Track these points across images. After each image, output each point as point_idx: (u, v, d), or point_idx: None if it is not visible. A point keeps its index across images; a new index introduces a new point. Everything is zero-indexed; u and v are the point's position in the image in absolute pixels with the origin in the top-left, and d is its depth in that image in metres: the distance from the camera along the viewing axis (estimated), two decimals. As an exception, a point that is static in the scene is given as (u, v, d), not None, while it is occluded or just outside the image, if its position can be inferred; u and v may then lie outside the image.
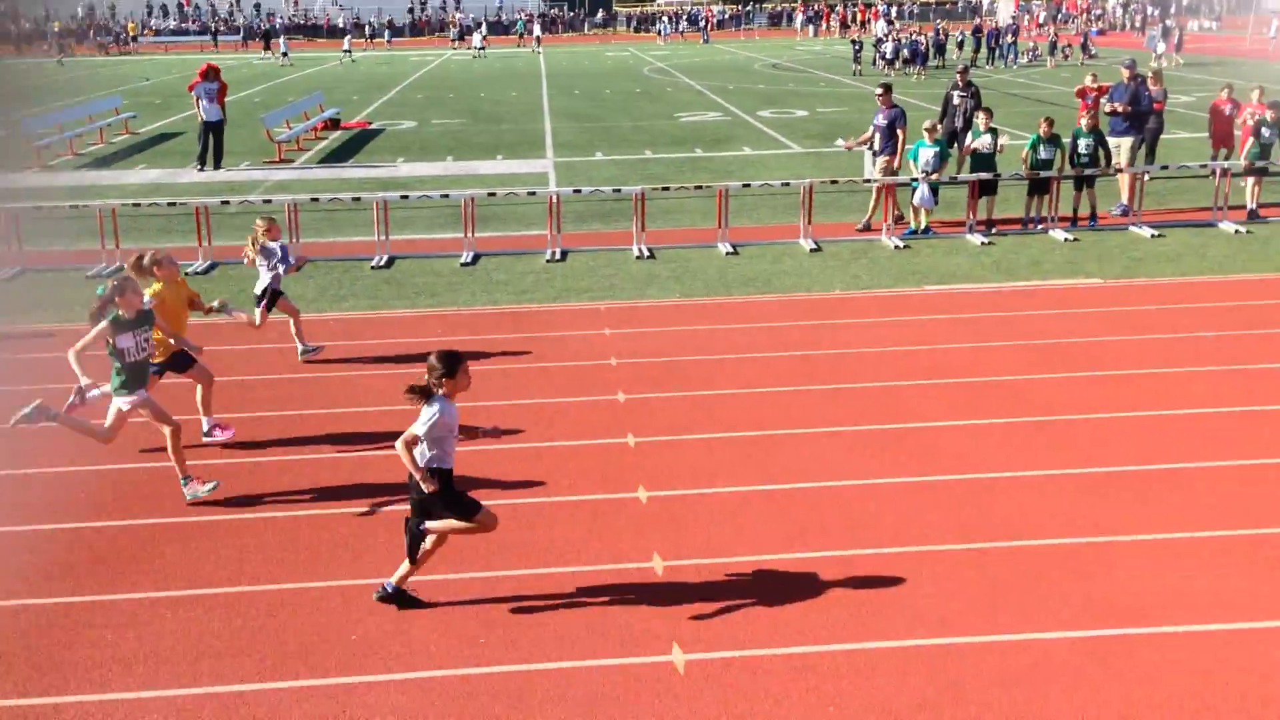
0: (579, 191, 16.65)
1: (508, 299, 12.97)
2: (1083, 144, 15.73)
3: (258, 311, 10.46)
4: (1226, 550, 6.92)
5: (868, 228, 15.94)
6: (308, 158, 24.22)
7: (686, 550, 7.09)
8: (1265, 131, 16.15)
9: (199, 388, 8.85)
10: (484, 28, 66.41)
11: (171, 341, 8.48)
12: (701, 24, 75.69)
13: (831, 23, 77.89)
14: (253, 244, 10.48)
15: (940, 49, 46.31)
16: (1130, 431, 8.83)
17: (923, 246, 15.16)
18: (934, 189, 15.58)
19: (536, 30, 65.81)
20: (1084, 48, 46.05)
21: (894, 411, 9.30)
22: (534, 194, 16.83)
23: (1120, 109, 17.09)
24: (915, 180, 15.53)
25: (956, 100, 18.95)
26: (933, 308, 12.34)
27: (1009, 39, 48.21)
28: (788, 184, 16.82)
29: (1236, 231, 15.46)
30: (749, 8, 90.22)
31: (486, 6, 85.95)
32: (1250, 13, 63.02)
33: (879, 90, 16.63)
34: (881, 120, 16.20)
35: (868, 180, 16.51)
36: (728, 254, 14.79)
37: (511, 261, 14.70)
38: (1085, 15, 76.46)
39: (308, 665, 5.94)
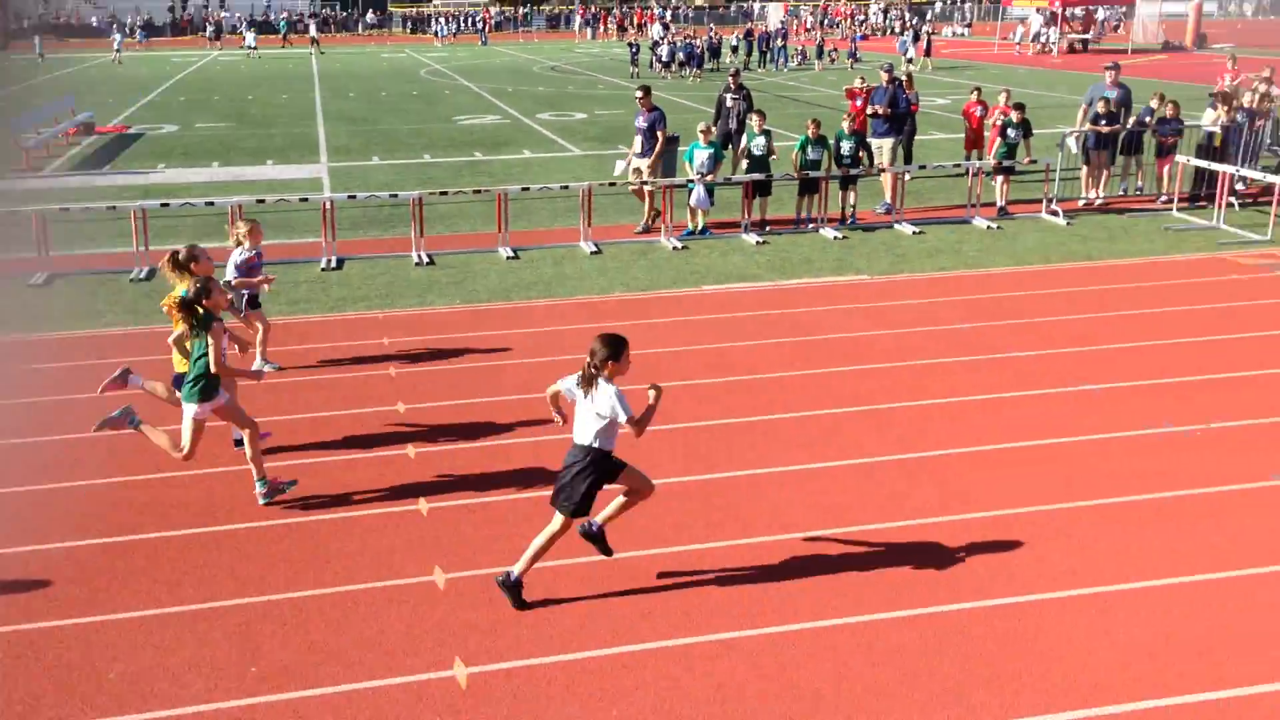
0: (354, 197, 16.24)
1: (281, 310, 12.50)
2: (845, 146, 16.38)
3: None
4: (979, 530, 7.31)
5: (648, 229, 16.16)
6: (58, 165, 22.77)
7: (469, 562, 6.99)
8: (1011, 132, 17.21)
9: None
10: (254, 27, 64.07)
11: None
12: (479, 26, 75.19)
13: (609, 25, 78.69)
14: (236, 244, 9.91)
15: (715, 52, 47.45)
16: (899, 421, 9.23)
17: (700, 247, 15.46)
18: (709, 190, 15.93)
19: (313, 30, 63.95)
20: (851, 54, 48.01)
21: (672, 412, 9.43)
22: (306, 200, 16.30)
23: (881, 111, 17.88)
24: (691, 182, 15.83)
25: (729, 103, 19.41)
26: (711, 307, 12.59)
27: (779, 43, 49.83)
28: (567, 187, 16.87)
29: (989, 227, 16.41)
30: (527, 10, 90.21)
31: (254, 5, 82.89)
32: (998, 20, 67.22)
33: (638, 93, 16.72)
34: (642, 123, 16.38)
35: (626, 182, 16.62)
36: (509, 258, 14.71)
37: (284, 271, 14.19)
38: (851, 20, 79.89)
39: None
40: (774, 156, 16.52)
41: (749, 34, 51.92)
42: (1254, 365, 10.45)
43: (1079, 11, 56.53)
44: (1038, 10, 55.09)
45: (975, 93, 19.75)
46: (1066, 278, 13.65)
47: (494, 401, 9.71)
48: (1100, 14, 61.51)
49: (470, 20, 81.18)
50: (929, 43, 47.38)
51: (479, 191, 17.17)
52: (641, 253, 15.13)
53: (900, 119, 18.18)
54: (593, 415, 6.24)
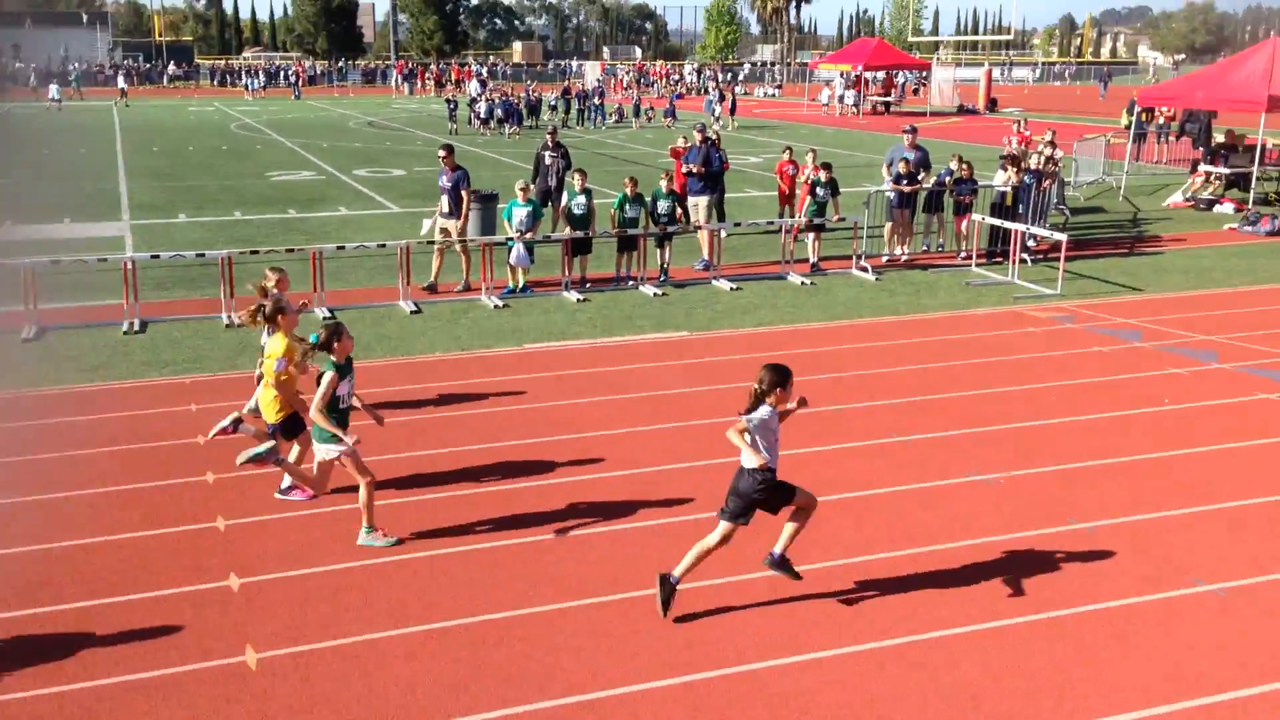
0: (158, 256, 15.56)
1: (77, 377, 11.84)
2: (662, 204, 16.66)
3: None
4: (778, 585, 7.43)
5: (433, 288, 15.90)
6: None
7: (283, 638, 6.68)
8: (820, 191, 17.83)
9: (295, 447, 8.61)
10: (56, 79, 61.35)
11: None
12: (292, 79, 73.82)
13: (427, 81, 78.46)
14: (262, 295, 9.43)
15: (534, 109, 47.79)
16: (723, 477, 9.33)
17: (521, 305, 15.41)
18: (529, 248, 15.93)
19: (121, 82, 61.63)
20: (669, 112, 49.08)
21: (486, 474, 9.31)
22: (106, 260, 15.54)
23: (695, 170, 18.28)
24: (510, 240, 15.80)
25: (548, 160, 19.52)
26: (533, 366, 12.53)
27: (596, 101, 50.60)
28: (384, 245, 16.59)
29: (802, 283, 16.90)
30: (342, 64, 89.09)
31: (50, 56, 79.36)
32: (806, 81, 69.98)
33: (441, 152, 16.45)
34: (446, 182, 16.18)
35: (432, 242, 16.48)
36: (325, 319, 14.34)
37: (82, 335, 13.47)
38: (666, 80, 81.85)
39: None
40: (594, 215, 16.65)
41: (566, 92, 52.54)
42: (1051, 414, 11.00)
43: (880, 75, 59.37)
44: (841, 75, 57.54)
45: (787, 152, 20.43)
46: (877, 331, 14.15)
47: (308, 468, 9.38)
48: (900, 78, 64.76)
49: (283, 74, 79.67)
50: (734, 102, 48.89)
51: (292, 250, 16.72)
52: (462, 311, 14.97)
53: (714, 177, 18.63)
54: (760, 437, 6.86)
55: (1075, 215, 22.78)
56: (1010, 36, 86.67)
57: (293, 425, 8.52)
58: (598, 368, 12.48)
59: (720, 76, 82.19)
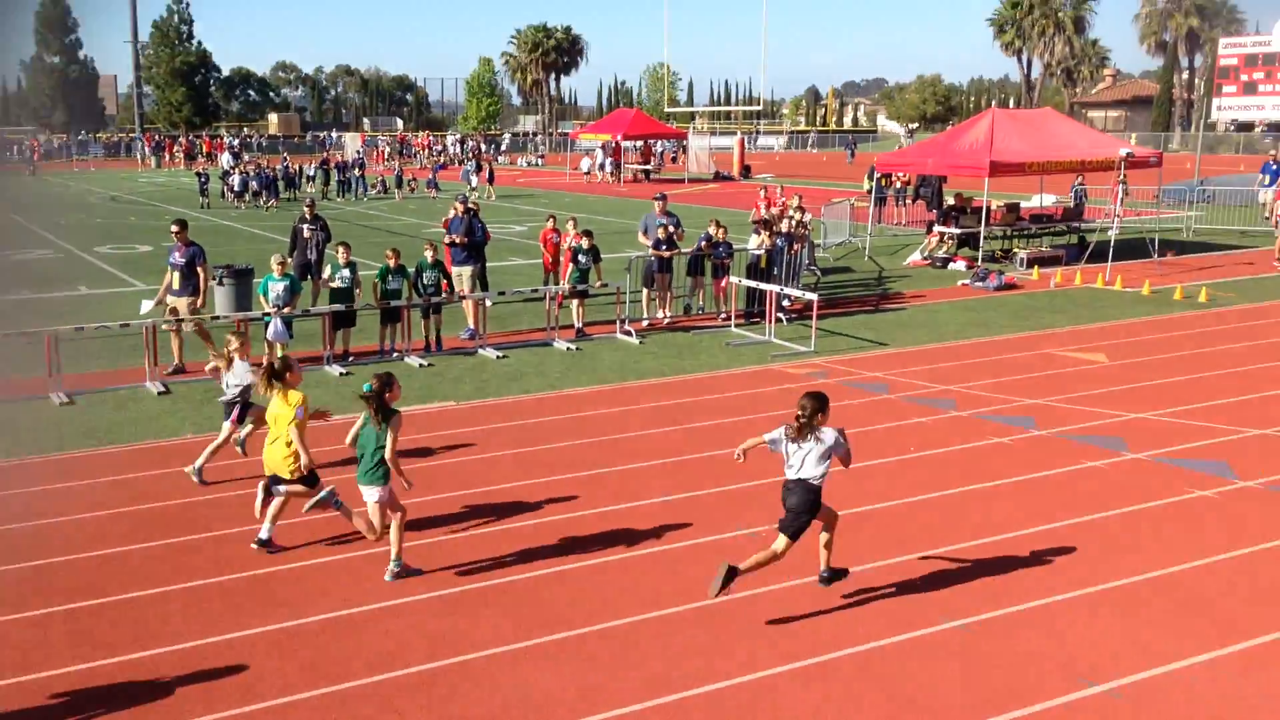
0: None
1: None
2: (427, 275, 16.52)
3: (227, 424, 10.84)
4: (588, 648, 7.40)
5: (180, 369, 15.22)
6: None
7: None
8: (582, 258, 18.09)
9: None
10: None
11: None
12: (26, 154, 69.63)
13: (176, 153, 75.55)
14: (224, 359, 10.88)
15: (291, 181, 46.70)
16: (490, 545, 9.22)
17: (280, 381, 14.87)
18: (287, 322, 15.46)
19: None
20: (431, 184, 48.87)
21: (235, 560, 8.91)
22: None
23: (458, 240, 18.24)
24: (267, 315, 15.29)
25: (306, 233, 19.08)
26: (293, 444, 12.08)
27: (356, 172, 49.88)
28: (128, 325, 15.72)
29: (568, 349, 17.05)
30: (82, 136, 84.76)
31: None
32: (568, 151, 71.21)
33: (174, 227, 15.70)
34: (179, 259, 15.43)
35: (158, 319, 15.76)
36: (62, 404, 13.45)
37: None
38: (428, 151, 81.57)
39: None
40: (359, 288, 16.33)
41: (325, 163, 51.62)
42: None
43: (639, 144, 61.05)
44: (601, 146, 58.88)
45: (550, 220, 20.66)
46: (643, 394, 14.38)
47: (39, 565, 8.73)
48: (658, 146, 66.76)
49: (16, 149, 75.03)
50: (491, 172, 49.21)
51: (26, 334, 15.61)
52: (217, 390, 14.31)
53: (477, 247, 18.64)
54: (814, 457, 7.83)
55: (826, 275, 23.97)
56: (760, 107, 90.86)
57: (313, 477, 9.13)
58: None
59: (483, 147, 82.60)
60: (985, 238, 25.92)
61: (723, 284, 19.46)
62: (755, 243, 19.65)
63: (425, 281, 16.50)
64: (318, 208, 20.13)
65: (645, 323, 18.80)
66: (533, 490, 10.60)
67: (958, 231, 26.50)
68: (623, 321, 18.13)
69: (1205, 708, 6.82)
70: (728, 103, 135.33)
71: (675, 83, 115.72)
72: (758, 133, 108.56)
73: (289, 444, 8.93)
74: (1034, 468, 11.37)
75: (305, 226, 19.11)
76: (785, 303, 19.08)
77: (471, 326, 17.48)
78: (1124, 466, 11.43)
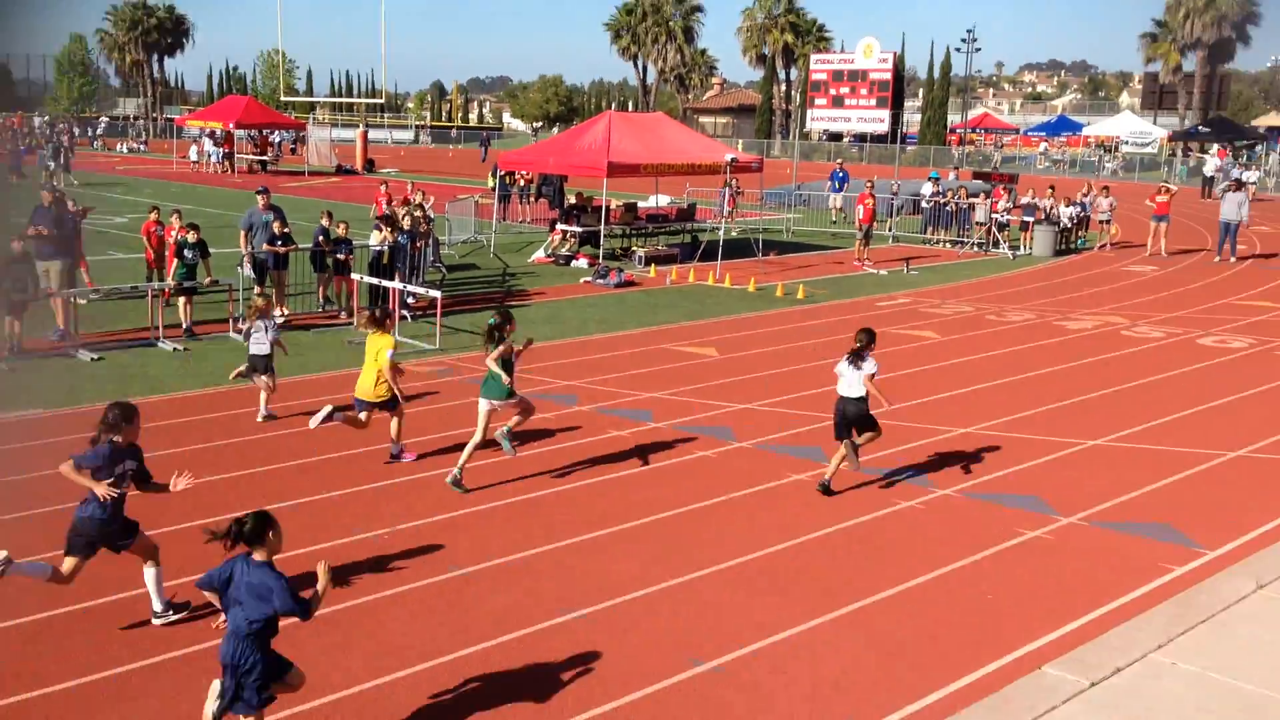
0: None
1: None
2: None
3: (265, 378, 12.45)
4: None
5: None
6: None
7: None
8: (188, 253, 16.96)
9: (394, 420, 11.33)
10: None
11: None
12: None
13: None
14: (253, 313, 12.58)
15: None
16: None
17: None
18: None
19: None
20: (14, 167, 44.20)
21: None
22: None
23: (45, 232, 16.59)
24: None
25: None
26: None
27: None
28: None
29: (175, 350, 15.93)
30: None
31: None
32: (175, 138, 66.78)
33: None
34: None
35: None
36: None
37: None
38: (13, 133, 73.79)
39: None
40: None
41: None
42: (482, 481, 11.31)
43: (254, 134, 58.21)
44: (211, 134, 55.62)
45: (154, 212, 19.27)
46: (254, 397, 13.65)
47: None
48: (275, 137, 63.89)
49: None
50: (67, 158, 45.45)
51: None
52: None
53: (68, 240, 17.05)
54: (860, 378, 10.53)
55: (451, 272, 23.87)
56: (383, 100, 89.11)
57: (393, 401, 11.14)
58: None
59: (72, 130, 75.71)
60: (605, 236, 26.77)
61: (344, 281, 18.88)
62: (377, 239, 19.21)
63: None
64: None
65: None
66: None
67: (579, 230, 27.18)
68: (237, 320, 17.17)
69: (809, 669, 7.35)
70: (349, 94, 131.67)
71: (293, 71, 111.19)
72: (385, 126, 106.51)
73: (379, 374, 10.96)
74: (652, 459, 11.83)
75: None
76: (410, 300, 18.80)
77: (61, 327, 15.94)
78: (731, 455, 12.14)
